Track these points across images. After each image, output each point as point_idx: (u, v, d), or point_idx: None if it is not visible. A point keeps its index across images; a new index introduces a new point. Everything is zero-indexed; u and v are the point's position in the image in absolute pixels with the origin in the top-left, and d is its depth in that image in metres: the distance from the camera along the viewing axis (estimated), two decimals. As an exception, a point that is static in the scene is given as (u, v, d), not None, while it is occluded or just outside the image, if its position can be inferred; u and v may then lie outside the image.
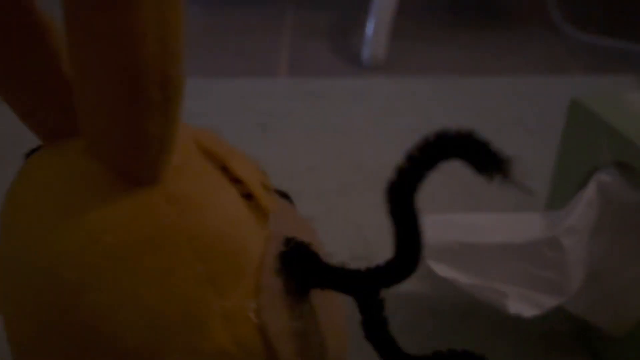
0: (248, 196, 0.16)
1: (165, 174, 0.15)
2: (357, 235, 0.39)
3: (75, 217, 0.14)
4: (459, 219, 0.28)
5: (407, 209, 0.14)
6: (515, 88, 0.59)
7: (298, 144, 0.49)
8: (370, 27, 0.63)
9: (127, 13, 0.12)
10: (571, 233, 0.26)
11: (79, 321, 0.14)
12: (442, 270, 0.26)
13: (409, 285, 0.33)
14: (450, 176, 0.42)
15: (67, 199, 0.14)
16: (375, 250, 0.38)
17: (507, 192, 0.43)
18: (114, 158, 0.14)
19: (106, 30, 0.12)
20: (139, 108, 0.13)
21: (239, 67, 0.64)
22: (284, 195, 0.19)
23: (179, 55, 0.13)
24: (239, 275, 0.15)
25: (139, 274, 0.14)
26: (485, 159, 0.12)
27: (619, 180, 0.28)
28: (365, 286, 0.15)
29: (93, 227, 0.14)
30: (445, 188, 0.43)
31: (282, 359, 0.15)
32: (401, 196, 0.14)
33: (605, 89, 0.60)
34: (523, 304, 0.24)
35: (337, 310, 0.17)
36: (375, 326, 0.15)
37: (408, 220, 0.14)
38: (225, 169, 0.16)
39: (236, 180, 0.16)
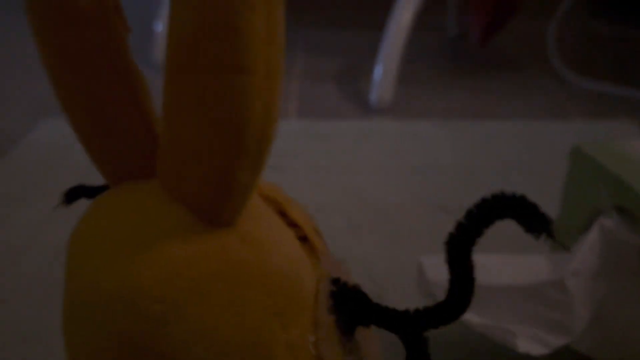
0: (302, 239, 0.18)
1: (240, 218, 0.16)
2: (365, 274, 0.40)
3: (157, 252, 0.15)
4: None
5: (464, 260, 0.16)
6: (517, 132, 0.61)
7: (307, 183, 0.51)
8: (378, 72, 0.66)
9: (244, 80, 0.14)
10: (576, 276, 0.27)
11: (158, 352, 0.15)
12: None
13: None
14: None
15: (146, 234, 0.15)
16: (384, 289, 0.39)
17: (515, 234, 0.44)
18: (199, 200, 0.15)
19: (219, 92, 0.14)
20: (237, 160, 0.14)
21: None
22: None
23: (277, 117, 0.15)
24: (300, 310, 0.16)
25: (217, 308, 0.15)
26: (534, 220, 0.14)
27: (620, 225, 0.29)
28: (413, 326, 0.16)
29: (175, 261, 0.15)
30: (447, 229, 0.44)
31: None
32: (460, 248, 0.16)
33: (605, 135, 0.62)
34: (532, 343, 0.25)
35: (375, 345, 0.19)
36: None
37: (464, 270, 0.16)
38: (283, 214, 0.18)
39: (292, 224, 0.18)
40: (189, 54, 0.14)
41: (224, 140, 0.14)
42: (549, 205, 0.36)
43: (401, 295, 0.38)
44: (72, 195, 0.20)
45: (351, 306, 0.17)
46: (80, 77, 0.16)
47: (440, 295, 0.29)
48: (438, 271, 0.30)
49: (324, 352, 0.16)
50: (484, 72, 0.78)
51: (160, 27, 0.73)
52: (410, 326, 0.16)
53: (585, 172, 0.32)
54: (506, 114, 0.66)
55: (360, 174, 0.52)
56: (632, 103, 0.70)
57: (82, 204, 0.19)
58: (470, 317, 0.27)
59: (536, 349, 0.25)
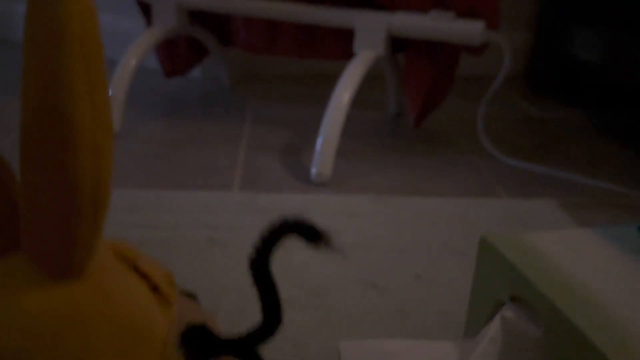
0: (155, 289, 0.21)
1: (88, 271, 0.19)
2: (294, 354, 0.41)
3: (17, 302, 0.18)
4: (379, 345, 0.31)
5: (266, 277, 0.19)
6: (446, 209, 0.65)
7: (245, 258, 0.52)
8: (318, 147, 0.69)
9: (73, 160, 0.17)
10: (476, 367, 0.29)
11: None
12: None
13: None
14: (383, 296, 0.46)
15: (8, 290, 0.19)
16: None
17: (431, 316, 0.46)
18: (49, 258, 0.19)
19: (55, 170, 0.17)
20: (75, 223, 0.18)
21: (196, 182, 0.68)
22: (191, 295, 0.24)
23: (108, 187, 0.18)
24: (148, 349, 0.19)
25: (67, 347, 0.18)
26: (312, 235, 0.19)
27: (520, 316, 0.32)
28: (246, 346, 0.20)
29: (32, 309, 0.18)
30: (377, 307, 0.46)
31: None
32: (260, 268, 0.19)
33: (528, 212, 0.66)
34: None
35: None
36: None
37: (268, 286, 0.19)
38: (136, 269, 0.21)
39: (144, 277, 0.21)
40: (29, 137, 0.18)
41: (63, 208, 0.18)
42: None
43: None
44: None
45: (198, 341, 0.20)
46: None
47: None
48: (354, 358, 0.31)
49: None
50: (420, 149, 0.83)
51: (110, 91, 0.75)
52: (244, 346, 0.20)
53: (490, 263, 0.35)
54: (438, 191, 0.70)
55: (299, 250, 0.54)
56: (555, 182, 0.75)
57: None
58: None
59: None
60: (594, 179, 0.76)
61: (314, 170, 0.68)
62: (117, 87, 0.78)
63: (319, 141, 0.69)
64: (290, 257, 0.53)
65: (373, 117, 0.94)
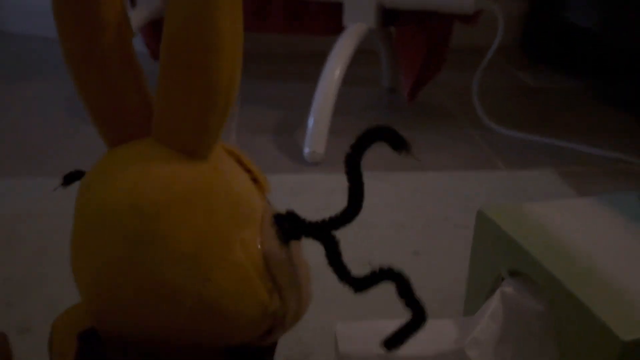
0: (254, 180, 0.25)
1: (211, 155, 0.23)
2: (290, 336, 0.40)
3: (151, 173, 0.22)
4: (376, 326, 0.30)
5: (356, 171, 0.23)
6: (444, 183, 0.64)
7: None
8: (310, 126, 0.67)
9: (215, 58, 0.21)
10: (476, 345, 0.28)
11: (152, 239, 0.21)
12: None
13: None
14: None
15: (143, 164, 0.22)
16: (310, 349, 0.39)
17: (430, 293, 0.45)
18: (183, 141, 0.22)
19: (199, 67, 0.21)
20: (210, 112, 0.22)
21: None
22: None
23: (238, 83, 0.22)
24: (251, 221, 0.23)
25: (195, 210, 0.22)
26: (397, 143, 0.22)
27: (521, 290, 0.31)
28: (327, 229, 0.23)
29: (167, 179, 0.22)
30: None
31: (274, 275, 0.23)
32: (352, 163, 0.22)
33: (527, 183, 0.65)
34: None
35: (304, 260, 0.26)
36: (334, 258, 0.23)
37: (357, 179, 0.23)
38: (240, 163, 0.25)
39: (247, 171, 0.25)
40: (177, 43, 0.21)
41: (202, 97, 0.21)
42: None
43: (325, 357, 0.39)
44: (70, 178, 0.27)
45: (287, 222, 0.24)
46: (97, 67, 0.23)
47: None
48: (351, 341, 0.30)
49: (267, 249, 0.23)
50: (416, 123, 0.81)
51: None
52: (325, 229, 0.23)
53: (489, 236, 0.34)
54: (433, 165, 0.69)
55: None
56: (553, 152, 0.74)
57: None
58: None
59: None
60: (594, 147, 0.75)
61: (307, 150, 0.67)
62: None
63: (311, 119, 0.67)
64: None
65: (367, 93, 0.92)
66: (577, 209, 0.35)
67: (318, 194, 0.60)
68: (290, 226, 0.23)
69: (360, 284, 0.23)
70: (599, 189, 0.65)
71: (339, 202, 0.59)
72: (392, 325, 0.30)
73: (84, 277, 0.23)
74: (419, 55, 0.76)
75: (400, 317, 0.23)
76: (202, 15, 0.21)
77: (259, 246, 0.23)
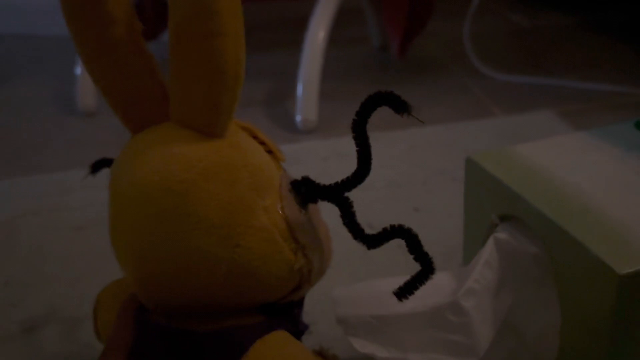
0: (269, 152, 0.27)
1: (227, 132, 0.25)
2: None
3: (177, 154, 0.24)
4: (373, 286, 0.30)
5: (363, 135, 0.24)
6: (441, 136, 0.62)
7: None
8: (299, 93, 0.66)
9: (221, 41, 0.23)
10: (471, 295, 0.27)
11: (182, 214, 0.23)
12: (361, 345, 0.28)
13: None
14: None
15: (167, 146, 0.24)
16: (314, 318, 0.39)
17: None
18: (199, 122, 0.24)
19: (207, 50, 0.23)
20: (221, 91, 0.23)
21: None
22: None
23: (243, 63, 0.24)
24: (271, 188, 0.25)
25: (219, 184, 0.24)
26: (399, 105, 0.23)
27: (514, 234, 0.30)
28: (341, 190, 0.25)
29: (190, 158, 0.24)
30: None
31: (296, 236, 0.25)
32: (359, 128, 0.24)
33: (525, 127, 0.63)
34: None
35: (322, 221, 0.28)
36: (349, 218, 0.25)
37: (364, 142, 0.24)
38: (255, 137, 0.26)
39: (261, 143, 0.26)
40: (184, 29, 0.23)
41: (212, 80, 0.23)
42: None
43: (328, 324, 0.38)
44: (97, 166, 0.29)
45: (303, 187, 0.25)
46: (110, 58, 0.25)
47: (348, 330, 0.29)
48: (347, 305, 0.30)
49: (288, 213, 0.25)
50: (409, 79, 0.79)
51: (80, 70, 0.72)
52: (338, 191, 0.25)
53: (479, 184, 0.33)
54: (430, 119, 0.67)
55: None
56: (551, 93, 0.72)
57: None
58: (376, 350, 0.27)
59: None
60: (592, 82, 0.72)
61: (299, 118, 0.66)
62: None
63: (300, 86, 0.66)
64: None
65: (357, 53, 0.90)
66: (568, 146, 0.34)
67: (314, 161, 0.59)
68: (306, 191, 0.25)
69: (373, 241, 0.25)
70: (600, 125, 0.64)
71: (335, 167, 0.58)
72: (386, 283, 0.30)
73: (126, 251, 0.25)
74: (404, 6, 0.74)
75: (404, 275, 0.24)
76: (203, 2, 0.22)
77: (280, 211, 0.25)
